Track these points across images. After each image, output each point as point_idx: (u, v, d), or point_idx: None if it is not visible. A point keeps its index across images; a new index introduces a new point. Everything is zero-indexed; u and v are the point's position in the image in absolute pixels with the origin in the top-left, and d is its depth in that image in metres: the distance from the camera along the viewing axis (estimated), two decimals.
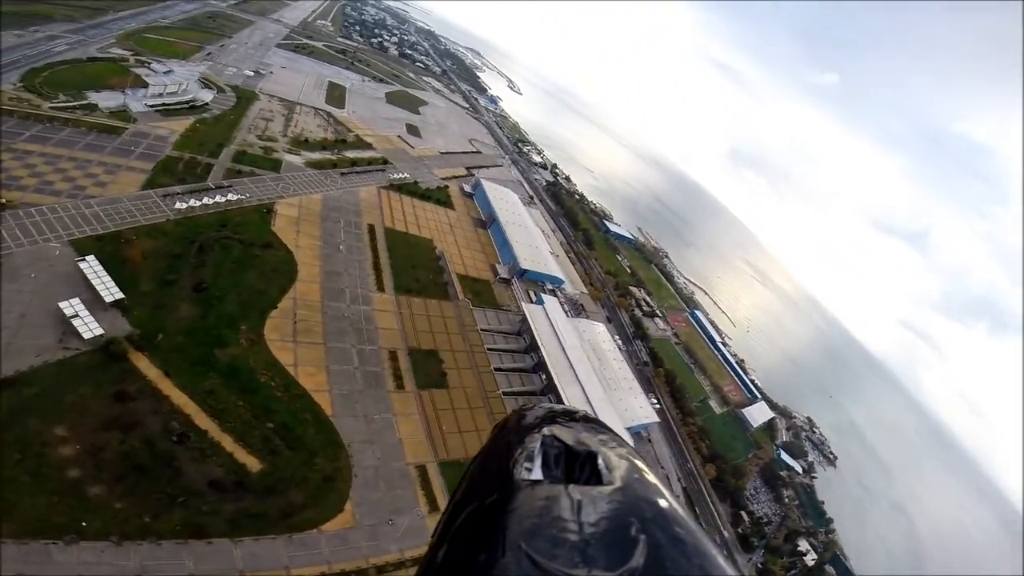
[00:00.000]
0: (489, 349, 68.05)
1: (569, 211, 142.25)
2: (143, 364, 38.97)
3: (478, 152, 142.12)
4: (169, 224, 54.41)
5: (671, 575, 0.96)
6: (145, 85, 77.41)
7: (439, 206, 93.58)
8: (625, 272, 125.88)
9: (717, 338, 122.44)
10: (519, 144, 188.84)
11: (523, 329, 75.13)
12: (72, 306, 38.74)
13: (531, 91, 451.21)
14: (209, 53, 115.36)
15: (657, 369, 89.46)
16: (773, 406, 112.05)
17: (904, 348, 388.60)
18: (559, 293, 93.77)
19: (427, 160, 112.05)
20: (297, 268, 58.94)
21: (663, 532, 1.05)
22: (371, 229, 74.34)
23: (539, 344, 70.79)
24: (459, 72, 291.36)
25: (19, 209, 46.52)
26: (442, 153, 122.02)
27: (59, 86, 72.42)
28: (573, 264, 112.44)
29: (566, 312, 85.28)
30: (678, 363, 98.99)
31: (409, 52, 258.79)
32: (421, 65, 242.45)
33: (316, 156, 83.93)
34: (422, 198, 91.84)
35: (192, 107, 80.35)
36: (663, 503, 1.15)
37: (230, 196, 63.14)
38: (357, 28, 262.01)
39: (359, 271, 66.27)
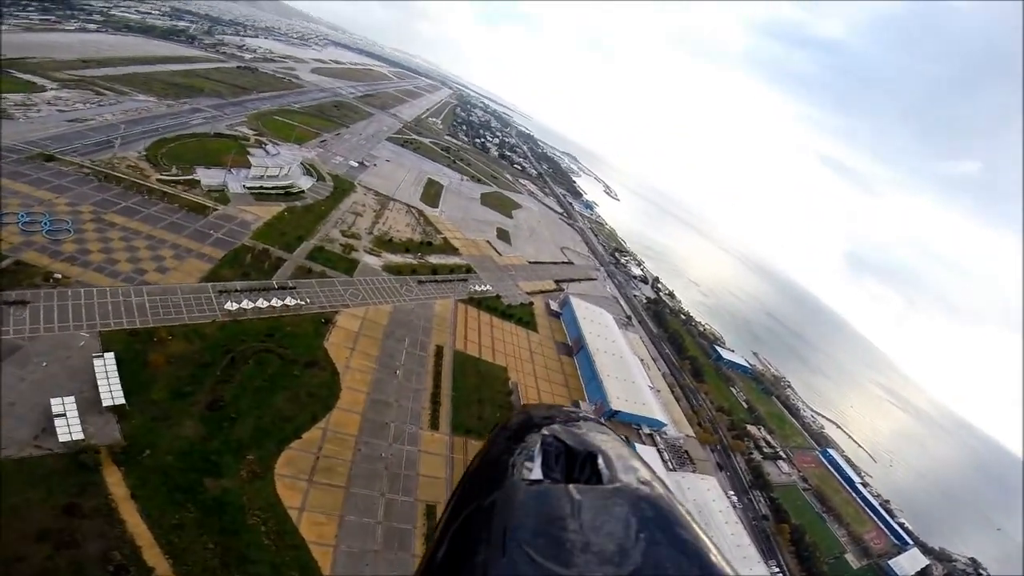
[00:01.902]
0: None
1: (674, 335, 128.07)
2: (114, 479, 35.44)
3: (570, 263, 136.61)
4: (212, 327, 51.40)
5: (671, 575, 1.02)
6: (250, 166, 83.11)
7: (520, 327, 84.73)
8: (741, 407, 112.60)
9: (855, 478, 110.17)
10: (616, 254, 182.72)
11: None
12: (63, 403, 36.88)
13: (629, 197, 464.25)
14: (324, 140, 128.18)
15: (780, 525, 78.74)
16: (927, 551, 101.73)
17: None
18: (658, 438, 79.34)
19: (514, 270, 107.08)
20: (340, 394, 52.31)
21: (663, 532, 1.10)
22: (439, 352, 66.29)
23: None
24: (555, 175, 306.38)
25: (69, 288, 46.86)
26: (531, 263, 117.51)
27: (177, 158, 79.98)
28: (678, 401, 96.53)
29: (666, 463, 73.81)
30: (807, 513, 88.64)
31: (508, 154, 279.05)
32: (518, 167, 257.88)
33: (397, 259, 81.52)
34: (503, 316, 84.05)
35: (287, 193, 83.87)
36: (663, 503, 1.21)
37: (288, 300, 59.38)
38: (464, 128, 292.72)
39: (413, 403, 57.58)
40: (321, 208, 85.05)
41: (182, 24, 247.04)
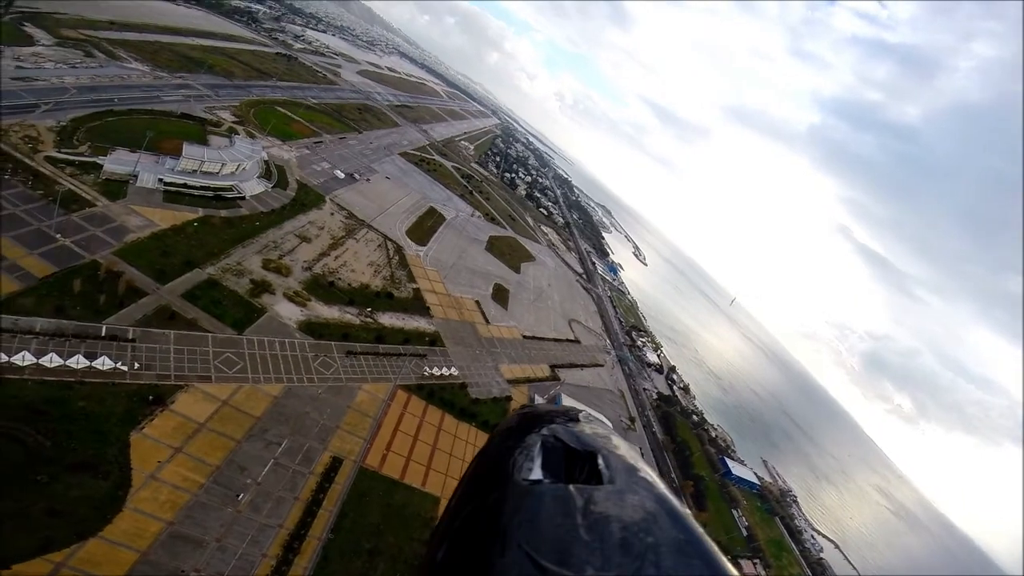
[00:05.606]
0: None
1: (682, 445, 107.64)
2: None
3: (576, 341, 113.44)
4: None
5: None
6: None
7: (483, 432, 61.84)
8: (741, 538, 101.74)
9: None
10: (633, 333, 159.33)
11: None
12: None
13: (658, 263, 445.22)
14: (319, 142, 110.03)
15: None
16: None
17: None
18: None
19: (500, 345, 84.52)
20: (115, 517, 32.79)
21: (663, 532, 1.11)
22: (332, 467, 43.76)
23: None
24: (583, 228, 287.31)
25: None
26: (526, 336, 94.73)
27: (105, 136, 62.72)
28: None
29: None
30: None
31: (538, 195, 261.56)
32: (544, 211, 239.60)
33: (329, 314, 59.85)
34: (461, 415, 61.18)
35: (219, 197, 64.69)
36: (663, 503, 1.22)
37: (104, 361, 38.46)
38: (498, 159, 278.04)
39: (249, 546, 36.29)
40: (255, 223, 64.92)
41: (256, 7, 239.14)
